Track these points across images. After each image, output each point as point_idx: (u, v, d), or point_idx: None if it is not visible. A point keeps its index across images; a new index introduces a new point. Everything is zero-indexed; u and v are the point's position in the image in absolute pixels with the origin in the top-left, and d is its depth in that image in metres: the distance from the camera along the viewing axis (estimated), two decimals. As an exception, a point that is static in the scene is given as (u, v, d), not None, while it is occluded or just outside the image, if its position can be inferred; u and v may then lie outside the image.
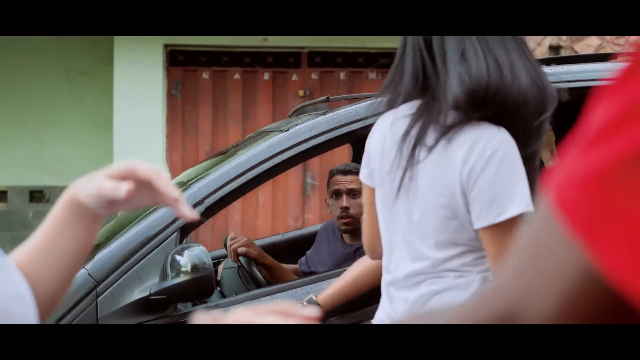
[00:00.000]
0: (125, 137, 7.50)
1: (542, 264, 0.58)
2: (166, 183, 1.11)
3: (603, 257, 0.51)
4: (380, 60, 7.86)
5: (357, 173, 3.35)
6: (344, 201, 3.27)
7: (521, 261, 0.61)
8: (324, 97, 3.02)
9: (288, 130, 2.78)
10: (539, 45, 7.36)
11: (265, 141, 2.80)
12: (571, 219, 0.53)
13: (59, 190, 8.96)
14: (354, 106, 2.84)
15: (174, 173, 7.68)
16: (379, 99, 1.92)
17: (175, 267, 2.45)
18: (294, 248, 4.07)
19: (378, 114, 2.79)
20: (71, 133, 8.19)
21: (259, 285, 3.06)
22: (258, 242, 3.58)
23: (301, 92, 7.81)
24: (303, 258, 3.56)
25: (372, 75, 7.86)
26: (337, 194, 3.32)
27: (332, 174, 3.40)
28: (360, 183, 3.31)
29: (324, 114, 2.86)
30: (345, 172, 3.35)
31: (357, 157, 4.06)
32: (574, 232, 0.53)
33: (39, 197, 8.15)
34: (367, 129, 2.85)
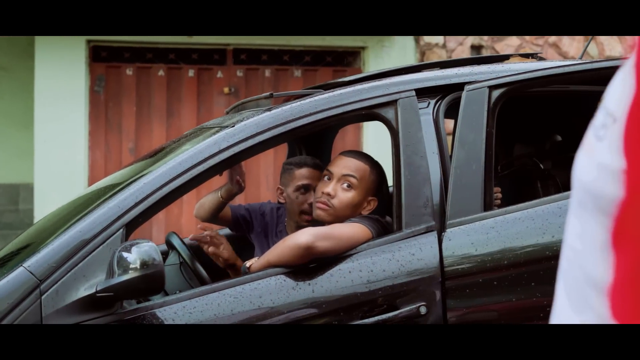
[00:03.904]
0: (46, 134, 7.34)
1: None
2: None
3: None
4: (305, 57, 7.89)
5: (318, 167, 3.31)
6: (312, 197, 3.21)
7: None
8: (267, 93, 3.01)
9: (234, 126, 2.77)
10: (461, 45, 7.51)
11: (211, 137, 2.78)
12: None
13: (-26, 189, 8.47)
14: (299, 102, 2.85)
15: (96, 171, 7.55)
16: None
17: (123, 264, 2.41)
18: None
19: (323, 110, 2.82)
20: (-12, 130, 7.99)
21: (202, 282, 3.04)
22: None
23: (226, 90, 7.78)
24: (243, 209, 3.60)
25: (298, 72, 7.88)
26: (305, 188, 3.28)
27: (298, 165, 3.35)
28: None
29: (269, 110, 2.85)
30: (315, 166, 3.31)
31: (292, 153, 4.06)
32: None
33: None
34: (312, 125, 2.88)
